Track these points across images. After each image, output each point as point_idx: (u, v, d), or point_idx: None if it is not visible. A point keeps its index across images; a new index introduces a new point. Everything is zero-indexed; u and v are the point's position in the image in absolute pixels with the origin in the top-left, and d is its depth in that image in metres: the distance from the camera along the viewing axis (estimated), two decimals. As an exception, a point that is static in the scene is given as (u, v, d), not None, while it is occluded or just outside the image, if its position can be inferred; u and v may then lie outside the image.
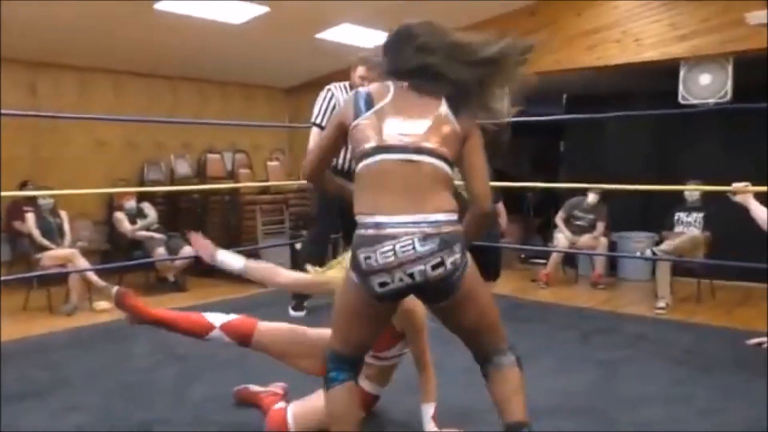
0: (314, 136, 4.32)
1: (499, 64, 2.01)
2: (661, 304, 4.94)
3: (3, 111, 5.53)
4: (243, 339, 2.51)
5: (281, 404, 2.43)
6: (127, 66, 6.61)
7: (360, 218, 1.88)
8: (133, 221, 5.70)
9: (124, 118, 6.51)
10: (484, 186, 1.98)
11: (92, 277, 4.93)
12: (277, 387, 2.77)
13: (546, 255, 6.46)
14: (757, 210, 3.44)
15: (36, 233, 5.05)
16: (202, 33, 5.69)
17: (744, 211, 3.50)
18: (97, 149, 6.63)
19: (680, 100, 5.21)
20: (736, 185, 3.53)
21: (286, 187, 6.63)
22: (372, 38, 6.36)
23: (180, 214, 6.82)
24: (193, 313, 2.64)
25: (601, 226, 6.06)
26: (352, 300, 1.94)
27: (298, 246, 5.76)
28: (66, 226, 5.30)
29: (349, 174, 4.14)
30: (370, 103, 1.98)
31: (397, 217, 1.81)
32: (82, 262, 4.95)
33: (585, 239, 6.02)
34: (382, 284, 1.83)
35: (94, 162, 6.52)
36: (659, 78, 5.56)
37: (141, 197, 5.95)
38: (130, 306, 2.63)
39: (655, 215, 6.15)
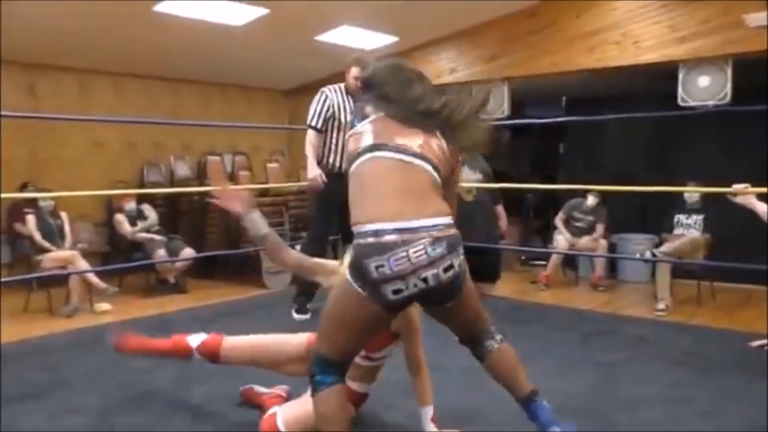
0: (310, 139, 4.32)
1: (446, 118, 2.01)
2: (661, 305, 4.94)
3: (2, 113, 5.57)
4: (212, 357, 2.61)
5: (275, 409, 2.42)
6: (126, 67, 6.62)
7: (362, 227, 1.85)
8: (133, 223, 5.70)
9: (123, 120, 6.51)
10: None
11: (93, 278, 4.94)
12: (281, 389, 2.77)
13: (546, 257, 6.47)
14: (763, 209, 3.42)
15: (36, 235, 5.06)
16: (202, 35, 5.70)
17: (744, 212, 3.50)
18: (96, 151, 6.63)
19: (679, 102, 5.22)
20: (737, 187, 3.53)
21: (286, 189, 6.63)
22: (371, 40, 6.38)
23: (180, 215, 6.82)
24: (177, 337, 2.70)
25: (600, 227, 6.07)
26: (353, 310, 1.90)
27: (298, 248, 5.76)
28: (66, 228, 5.30)
29: (337, 175, 4.16)
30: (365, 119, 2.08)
31: (404, 223, 1.80)
32: (83, 264, 4.95)
33: (585, 241, 6.02)
34: (396, 291, 1.81)
35: (94, 163, 6.53)
36: (658, 80, 5.57)
37: (141, 199, 5.96)
38: (130, 350, 2.77)
39: (655, 217, 6.15)
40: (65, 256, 4.98)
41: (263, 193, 6.56)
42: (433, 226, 1.82)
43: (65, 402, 2.87)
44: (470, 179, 4.75)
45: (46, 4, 4.72)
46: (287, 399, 2.66)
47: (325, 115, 4.26)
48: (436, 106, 2.01)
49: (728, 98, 5.02)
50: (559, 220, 6.26)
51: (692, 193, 5.46)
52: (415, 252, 1.78)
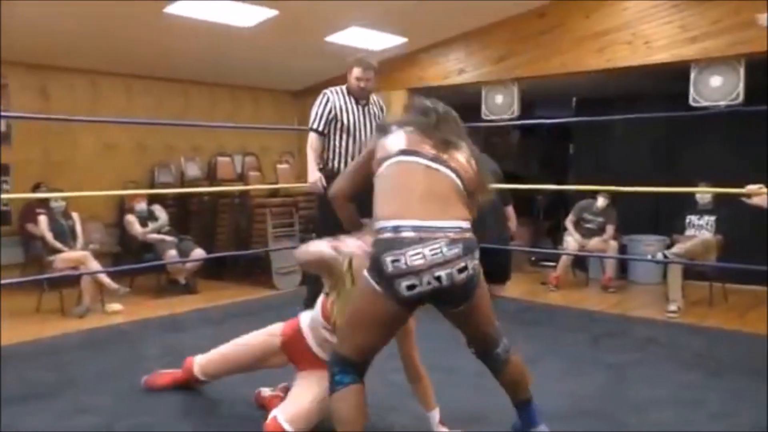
0: (312, 142, 4.28)
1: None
2: (673, 307, 4.91)
3: (12, 114, 5.64)
4: (193, 379, 2.87)
5: (274, 412, 2.40)
6: (137, 69, 6.66)
7: (383, 222, 1.91)
8: (144, 224, 5.74)
9: (134, 121, 6.55)
10: None
11: (104, 279, 4.97)
12: (281, 389, 2.78)
13: (556, 258, 6.45)
14: None
15: (49, 236, 5.10)
16: (212, 36, 5.72)
17: (756, 213, 3.47)
18: (107, 152, 6.67)
19: (691, 102, 5.18)
20: (750, 187, 3.49)
21: (296, 189, 6.64)
22: (380, 41, 6.38)
23: (190, 216, 6.85)
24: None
25: (610, 229, 6.04)
26: (370, 308, 1.95)
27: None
28: (78, 229, 5.33)
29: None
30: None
31: (423, 222, 1.86)
32: (94, 265, 4.98)
33: (595, 242, 6.00)
34: (410, 287, 1.85)
35: (105, 165, 6.57)
36: (669, 80, 5.53)
37: (152, 200, 5.99)
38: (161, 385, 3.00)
39: (666, 218, 6.12)
40: (77, 256, 5.02)
41: (273, 193, 6.58)
42: (451, 228, 1.88)
43: (76, 402, 2.89)
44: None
45: (57, 5, 4.76)
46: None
47: (327, 118, 4.21)
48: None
49: (741, 98, 4.98)
50: (569, 222, 6.24)
51: (704, 194, 5.42)
52: (431, 250, 1.83)
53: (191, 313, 4.86)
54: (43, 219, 5.15)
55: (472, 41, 6.49)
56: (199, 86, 7.35)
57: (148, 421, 2.68)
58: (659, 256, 5.46)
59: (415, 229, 1.85)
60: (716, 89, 5.09)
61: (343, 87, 4.30)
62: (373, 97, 4.37)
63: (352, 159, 4.03)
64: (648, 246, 6.24)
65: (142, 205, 5.80)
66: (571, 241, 6.13)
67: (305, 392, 2.42)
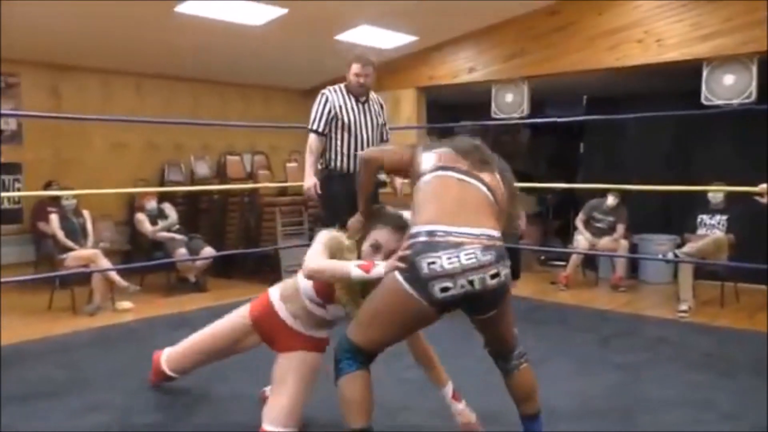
0: (311, 144, 4.24)
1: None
2: (684, 307, 4.88)
3: (23, 113, 5.67)
4: (162, 376, 2.81)
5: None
6: (148, 68, 6.68)
7: (418, 227, 1.97)
8: (154, 222, 5.76)
9: (144, 120, 6.58)
10: None
11: (115, 277, 5.00)
12: None
13: (565, 257, 6.42)
14: None
15: (60, 234, 5.13)
16: (222, 35, 5.73)
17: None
18: (118, 151, 6.71)
19: (703, 100, 5.15)
20: (763, 186, 3.46)
21: (305, 188, 6.64)
22: (390, 39, 6.38)
23: (200, 214, 6.88)
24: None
25: (621, 228, 6.00)
26: (400, 308, 1.98)
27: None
28: (89, 227, 5.37)
29: (344, 176, 4.12)
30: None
31: (459, 228, 1.93)
32: (105, 263, 5.01)
33: (605, 241, 5.97)
34: (444, 289, 1.89)
35: (116, 163, 6.60)
36: (681, 79, 5.50)
37: (162, 198, 6.01)
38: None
39: (677, 218, 6.08)
40: (88, 254, 5.05)
41: (282, 192, 6.59)
42: (484, 235, 1.94)
43: (87, 399, 2.91)
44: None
45: (69, 5, 4.79)
46: None
47: (327, 118, 4.16)
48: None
49: (753, 97, 4.94)
50: (579, 221, 6.21)
51: (716, 193, 5.38)
52: (466, 255, 1.89)
53: (201, 311, 4.86)
54: (54, 217, 5.19)
55: (482, 39, 6.47)
56: (209, 85, 7.37)
57: (159, 419, 2.69)
58: (670, 255, 5.43)
59: (450, 234, 1.91)
60: (729, 88, 5.06)
61: (342, 85, 4.26)
62: (373, 95, 4.34)
63: (354, 158, 4.02)
64: (659, 245, 6.20)
65: (152, 204, 5.82)
66: (582, 240, 6.10)
67: (284, 387, 2.37)
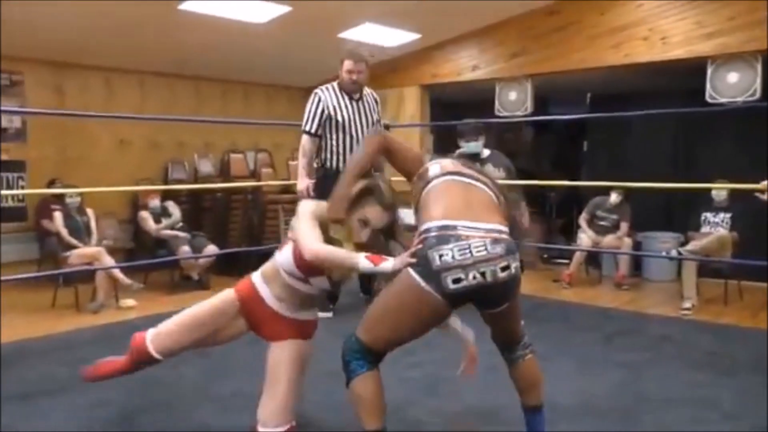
0: (304, 145, 4.20)
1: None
2: (687, 304, 4.87)
3: (27, 110, 5.68)
4: (146, 357, 2.43)
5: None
6: (151, 66, 6.69)
7: (429, 224, 1.99)
8: (157, 220, 5.77)
9: (147, 117, 6.58)
10: None
11: (118, 274, 5.01)
12: None
13: (568, 255, 6.41)
14: None
15: (64, 231, 5.14)
16: (225, 32, 5.74)
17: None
18: (121, 149, 6.72)
19: (707, 98, 5.14)
20: (765, 183, 3.45)
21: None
22: (394, 37, 6.37)
23: (203, 212, 6.89)
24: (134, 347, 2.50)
25: (624, 226, 5.99)
26: (413, 304, 1.98)
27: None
28: (93, 225, 5.38)
29: (338, 175, 4.11)
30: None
31: (468, 222, 1.97)
32: (108, 260, 5.02)
33: (609, 239, 5.96)
34: (456, 280, 1.91)
35: (119, 161, 6.61)
36: (684, 77, 5.48)
37: (165, 196, 6.02)
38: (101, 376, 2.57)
39: (681, 216, 6.06)
40: (91, 252, 5.06)
41: (285, 189, 6.58)
42: (493, 229, 1.98)
43: (89, 398, 2.90)
44: (493, 176, 4.71)
45: (72, 4, 4.79)
46: None
47: (320, 118, 4.14)
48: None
49: (758, 95, 4.93)
50: (583, 219, 6.20)
51: (719, 190, 5.37)
52: (476, 247, 1.92)
53: (204, 309, 4.87)
54: (58, 215, 5.20)
55: (485, 38, 6.46)
56: (212, 83, 7.38)
57: (161, 417, 2.70)
58: (673, 253, 5.42)
59: (461, 228, 1.94)
60: (733, 86, 5.04)
61: (335, 84, 4.23)
62: (367, 90, 4.31)
63: (350, 156, 4.00)
64: (663, 243, 6.18)
65: (155, 202, 5.83)
66: (585, 238, 6.09)
67: (277, 385, 2.32)
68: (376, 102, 4.36)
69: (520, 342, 2.22)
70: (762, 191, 3.46)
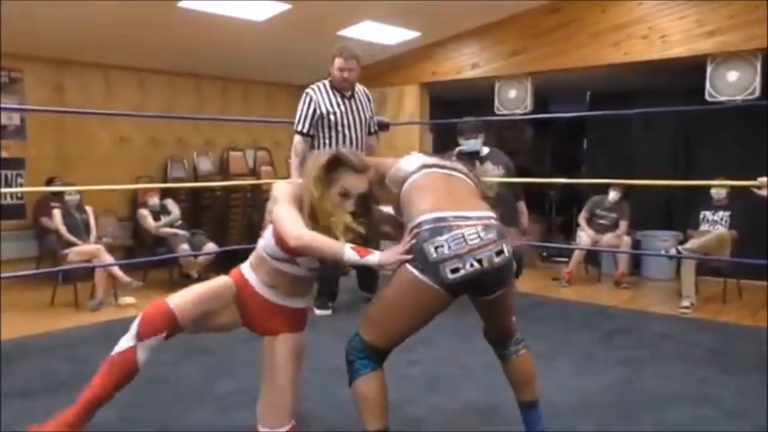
0: (296, 146, 4.16)
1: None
2: (686, 303, 4.88)
3: (26, 107, 5.67)
4: (170, 326, 2.19)
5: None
6: (151, 64, 6.68)
7: (420, 217, 2.00)
8: (156, 218, 5.77)
9: (147, 115, 6.58)
10: None
11: (117, 272, 5.01)
12: None
13: (568, 253, 6.41)
14: None
15: (63, 229, 5.14)
16: (224, 30, 5.73)
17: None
18: (121, 147, 6.71)
19: (707, 97, 5.14)
20: (762, 180, 3.45)
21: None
22: (394, 35, 6.37)
23: (203, 210, 6.88)
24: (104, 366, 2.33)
25: (623, 224, 6.00)
26: (414, 298, 1.99)
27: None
28: (92, 222, 5.38)
29: None
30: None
31: (457, 212, 1.99)
32: (108, 258, 5.02)
33: (608, 238, 5.96)
34: (455, 270, 1.93)
35: (118, 159, 6.60)
36: (684, 75, 5.48)
37: (164, 194, 6.02)
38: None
39: (680, 214, 6.07)
40: (90, 250, 5.06)
41: (285, 188, 6.58)
42: (483, 216, 2.02)
43: (90, 394, 2.91)
44: (492, 174, 4.72)
45: (72, 2, 4.78)
46: None
47: (312, 118, 4.10)
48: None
49: (757, 93, 4.93)
50: (582, 218, 6.20)
51: (718, 189, 5.37)
52: (469, 235, 1.94)
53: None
54: (57, 213, 5.20)
55: (485, 36, 6.46)
56: (212, 81, 7.37)
57: (163, 415, 2.70)
58: (673, 251, 5.42)
59: (451, 218, 1.96)
60: (732, 84, 5.04)
61: (326, 82, 4.18)
62: (359, 87, 4.27)
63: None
64: (662, 242, 6.19)
65: (154, 200, 5.83)
66: (584, 236, 6.09)
67: (275, 383, 2.29)
68: (369, 99, 4.34)
69: (512, 337, 2.23)
70: (759, 187, 3.45)
